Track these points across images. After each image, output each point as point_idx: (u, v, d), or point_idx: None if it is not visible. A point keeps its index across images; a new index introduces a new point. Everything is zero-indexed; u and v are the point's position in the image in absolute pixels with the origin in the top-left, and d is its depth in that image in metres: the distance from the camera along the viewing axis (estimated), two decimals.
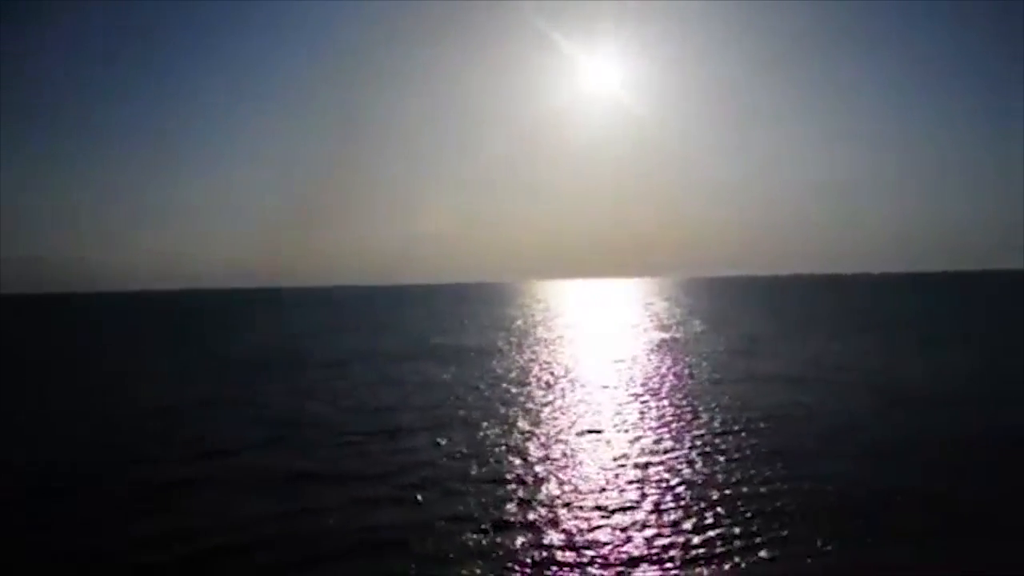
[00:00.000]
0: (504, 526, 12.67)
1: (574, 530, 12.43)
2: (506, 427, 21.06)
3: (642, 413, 22.64)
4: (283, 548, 11.87)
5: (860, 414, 21.70)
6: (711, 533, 12.14)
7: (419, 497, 14.40)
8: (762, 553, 11.25)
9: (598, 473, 15.89)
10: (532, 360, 38.57)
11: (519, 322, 74.75)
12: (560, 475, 15.85)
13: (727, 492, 14.27)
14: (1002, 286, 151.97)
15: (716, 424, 20.63)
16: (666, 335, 52.64)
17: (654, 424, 20.98)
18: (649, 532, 12.28)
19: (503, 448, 18.38)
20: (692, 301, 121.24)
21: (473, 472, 16.19)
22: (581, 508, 13.56)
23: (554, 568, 10.98)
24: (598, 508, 13.54)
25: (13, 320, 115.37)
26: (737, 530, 12.21)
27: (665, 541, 11.86)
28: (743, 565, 10.87)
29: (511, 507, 13.71)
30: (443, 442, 19.17)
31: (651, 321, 70.30)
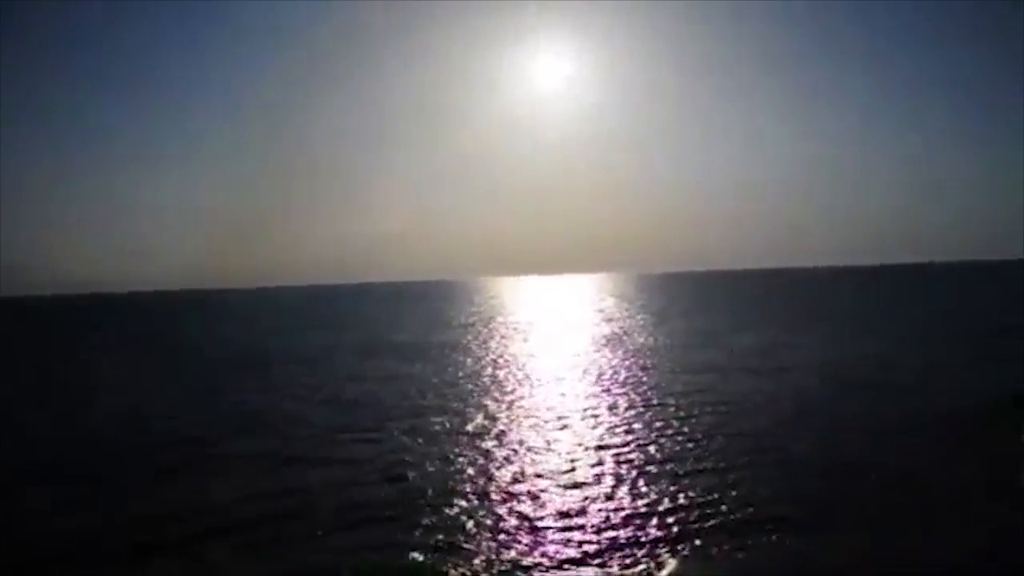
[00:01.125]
0: (468, 508, 13.46)
1: (537, 510, 13.17)
2: (471, 417, 22.18)
3: (603, 401, 23.94)
4: (269, 527, 12.91)
5: (810, 399, 23.25)
6: (680, 514, 12.74)
7: (393, 477, 15.52)
8: (729, 533, 11.83)
9: (564, 456, 16.86)
10: (493, 354, 39.84)
11: (478, 318, 75.84)
12: (522, 459, 16.85)
13: (692, 471, 15.25)
14: (962, 277, 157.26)
15: (677, 410, 21.75)
16: (621, 329, 54.39)
17: (616, 410, 22.25)
18: (615, 512, 12.96)
19: (468, 436, 19.43)
20: (646, 296, 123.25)
21: (438, 458, 17.13)
22: (546, 490, 14.37)
23: (518, 543, 11.75)
24: (565, 488, 14.41)
25: None
26: (706, 510, 12.84)
27: (629, 521, 12.51)
28: (713, 546, 11.36)
29: (474, 490, 14.57)
30: (411, 430, 20.18)
31: (607, 316, 72.01)
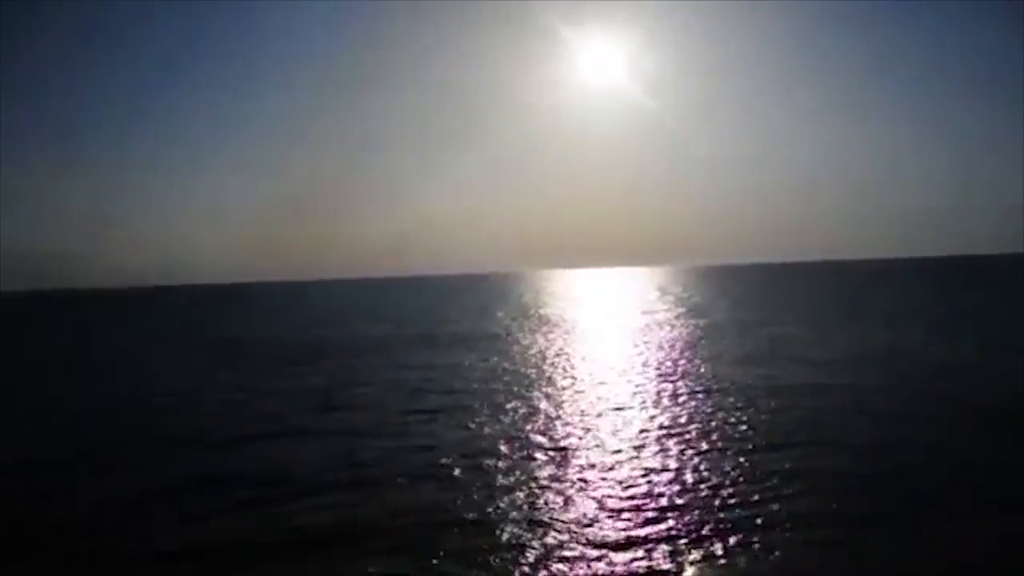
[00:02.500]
0: (535, 501, 13.64)
1: (593, 505, 13.28)
2: (526, 402, 23.27)
3: (646, 388, 25.01)
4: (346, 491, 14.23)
5: (850, 392, 23.64)
6: (732, 504, 12.99)
7: (456, 470, 15.89)
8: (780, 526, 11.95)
9: (620, 445, 17.40)
10: (541, 345, 40.89)
11: (525, 310, 76.90)
12: (582, 447, 17.47)
13: (732, 464, 15.49)
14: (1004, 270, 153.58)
15: (731, 401, 22.27)
16: (663, 320, 55.01)
17: (659, 397, 23.19)
18: (666, 504, 13.15)
19: (536, 426, 20.00)
20: (691, 289, 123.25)
21: (503, 446, 17.79)
22: (603, 480, 14.72)
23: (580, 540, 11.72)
24: (619, 480, 14.65)
25: (12, 318, 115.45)
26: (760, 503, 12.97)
27: (675, 519, 12.49)
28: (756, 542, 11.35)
29: (543, 479, 14.92)
30: (475, 420, 21.03)
31: (649, 308, 72.51)
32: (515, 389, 25.89)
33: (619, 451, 16.84)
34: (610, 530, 12.05)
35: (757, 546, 11.18)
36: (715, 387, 24.76)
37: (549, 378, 28.52)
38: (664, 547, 11.29)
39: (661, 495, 13.69)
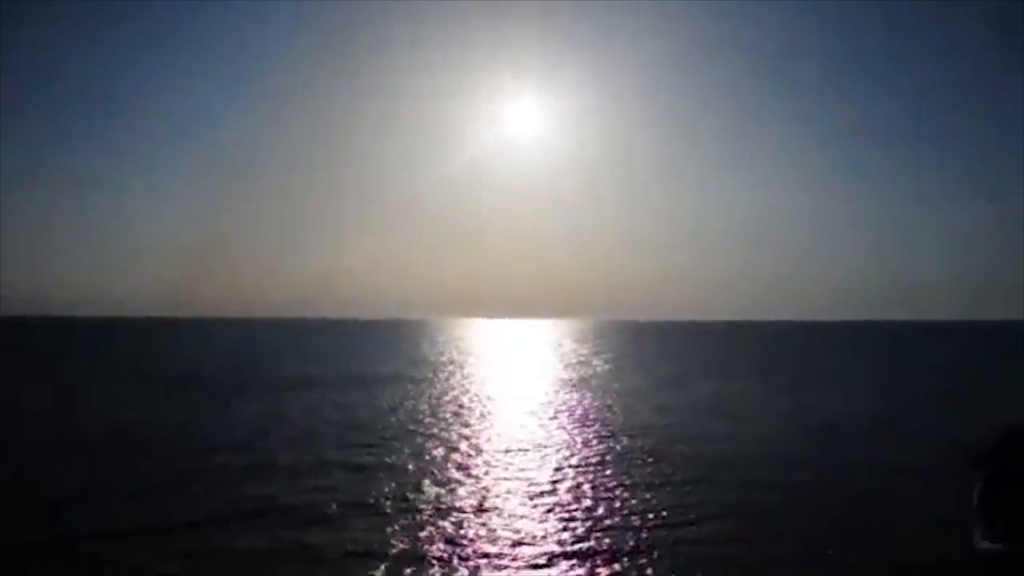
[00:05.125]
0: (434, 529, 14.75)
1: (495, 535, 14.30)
2: (440, 446, 24.32)
3: (555, 433, 27.15)
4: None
5: (762, 444, 25.23)
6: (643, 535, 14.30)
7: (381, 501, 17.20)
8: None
9: (521, 485, 18.72)
10: (455, 389, 42.92)
11: (445, 356, 78.75)
12: (479, 484, 18.75)
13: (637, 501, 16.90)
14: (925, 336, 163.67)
15: (633, 446, 24.17)
16: (576, 371, 58.18)
17: (571, 443, 25.05)
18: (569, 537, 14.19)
19: (439, 463, 21.51)
20: (603, 342, 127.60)
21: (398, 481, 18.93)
22: (504, 515, 15.76)
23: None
24: (521, 516, 15.74)
25: None
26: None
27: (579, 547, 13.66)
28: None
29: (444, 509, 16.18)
30: (378, 458, 22.14)
31: (564, 359, 75.70)
32: (433, 429, 27.62)
33: (532, 486, 18.52)
34: (523, 556, 13.21)
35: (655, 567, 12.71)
36: (622, 431, 27.33)
37: (464, 418, 30.48)
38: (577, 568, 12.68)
39: (573, 523, 15.21)
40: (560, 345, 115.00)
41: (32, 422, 29.55)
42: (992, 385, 46.20)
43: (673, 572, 12.49)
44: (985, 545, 10.78)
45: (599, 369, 61.73)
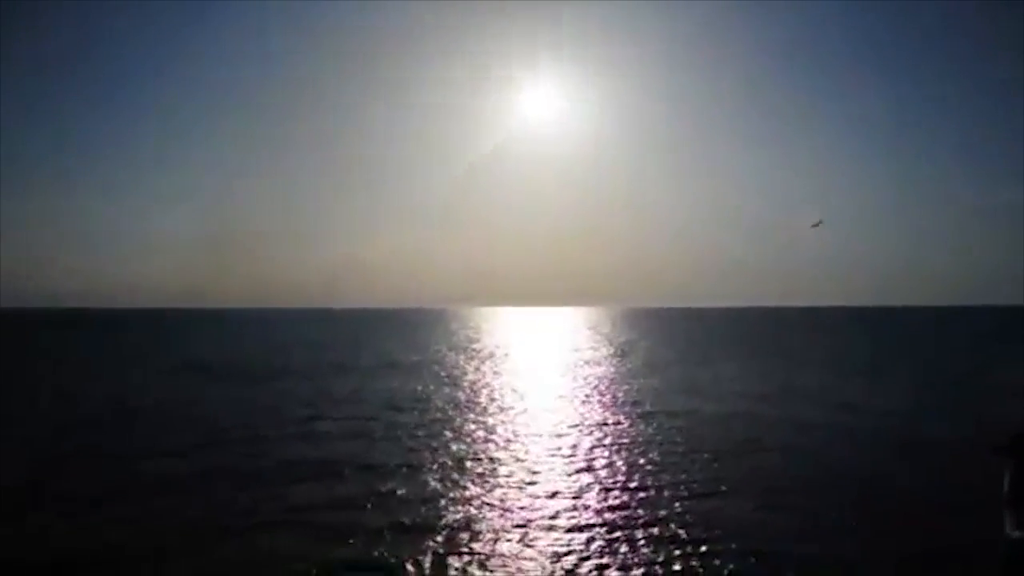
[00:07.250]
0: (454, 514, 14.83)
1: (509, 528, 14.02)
2: (476, 429, 24.81)
3: (591, 416, 27.59)
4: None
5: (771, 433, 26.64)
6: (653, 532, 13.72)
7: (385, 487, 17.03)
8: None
9: (552, 462, 19.43)
10: (473, 376, 43.28)
11: (459, 344, 79.26)
12: (520, 462, 19.47)
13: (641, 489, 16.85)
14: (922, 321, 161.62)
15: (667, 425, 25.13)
16: (591, 357, 58.75)
17: (608, 424, 25.49)
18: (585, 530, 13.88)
19: (480, 445, 22.00)
20: (621, 329, 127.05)
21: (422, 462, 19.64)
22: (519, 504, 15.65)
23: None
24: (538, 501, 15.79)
25: None
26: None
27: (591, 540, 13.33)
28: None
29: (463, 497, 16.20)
30: (415, 440, 22.92)
31: (579, 346, 75.72)
32: (463, 414, 28.18)
33: (552, 468, 18.97)
34: (545, 538, 13.37)
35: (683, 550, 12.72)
36: (647, 412, 28.25)
37: (492, 406, 30.70)
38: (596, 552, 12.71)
39: (590, 505, 15.47)
40: (579, 332, 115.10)
41: (89, 401, 32.41)
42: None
43: (703, 541, 13.10)
44: (1016, 534, 10.29)
45: (627, 354, 62.41)
